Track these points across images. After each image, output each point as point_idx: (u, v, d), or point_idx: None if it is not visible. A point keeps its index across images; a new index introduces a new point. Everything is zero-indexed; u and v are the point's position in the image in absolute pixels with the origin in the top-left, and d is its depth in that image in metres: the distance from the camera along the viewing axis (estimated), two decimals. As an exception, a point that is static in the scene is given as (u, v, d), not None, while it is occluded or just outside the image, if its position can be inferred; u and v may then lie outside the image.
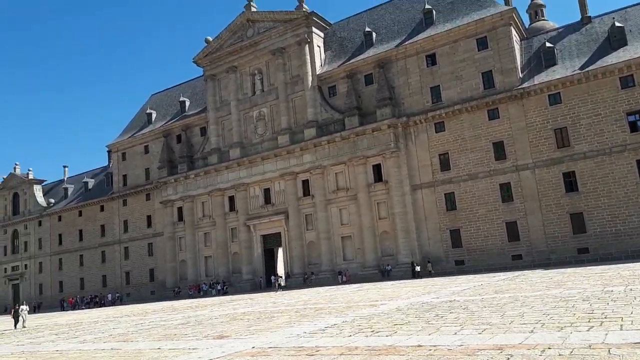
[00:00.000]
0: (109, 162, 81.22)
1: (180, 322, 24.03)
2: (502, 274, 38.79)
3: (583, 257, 42.10)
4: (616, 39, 44.39)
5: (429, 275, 46.37)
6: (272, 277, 54.28)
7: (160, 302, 54.79)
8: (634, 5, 46.73)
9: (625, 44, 43.81)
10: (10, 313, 38.44)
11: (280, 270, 60.99)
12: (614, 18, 46.11)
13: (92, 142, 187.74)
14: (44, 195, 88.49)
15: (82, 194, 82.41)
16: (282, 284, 51.54)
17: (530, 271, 38.27)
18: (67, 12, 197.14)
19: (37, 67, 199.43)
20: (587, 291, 18.86)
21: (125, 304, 62.51)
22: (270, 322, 19.65)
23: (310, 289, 47.56)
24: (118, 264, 73.55)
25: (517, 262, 44.78)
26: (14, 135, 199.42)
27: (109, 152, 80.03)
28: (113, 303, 66.26)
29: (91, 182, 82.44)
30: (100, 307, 65.60)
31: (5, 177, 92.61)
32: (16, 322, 33.31)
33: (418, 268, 46.85)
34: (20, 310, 33.65)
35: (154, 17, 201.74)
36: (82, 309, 66.14)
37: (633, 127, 41.91)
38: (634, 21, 45.14)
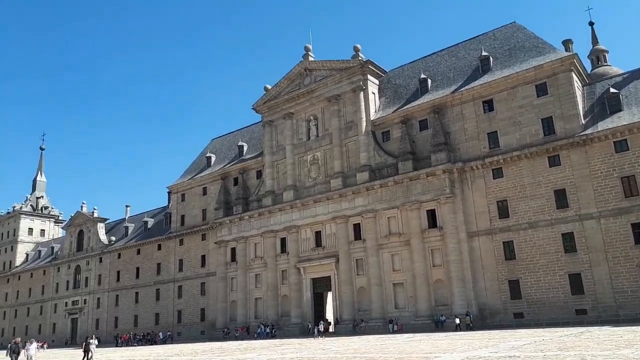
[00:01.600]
0: (169, 202, 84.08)
1: (228, 363, 23.84)
2: (565, 329, 36.33)
3: (657, 315, 38.80)
4: (687, 84, 42.29)
5: (480, 327, 43.97)
6: (320, 322, 53.33)
7: (210, 343, 54.87)
8: None
9: (698, 90, 41.59)
10: (80, 346, 39.68)
11: (330, 315, 59.94)
12: (684, 63, 44.08)
13: (154, 184, 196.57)
14: (106, 233, 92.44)
15: (141, 232, 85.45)
16: (322, 329, 50.49)
17: (596, 327, 35.62)
18: (130, 59, 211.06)
19: (103, 110, 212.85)
20: (663, 351, 17.27)
21: (176, 343, 63.03)
22: (317, 366, 19.15)
23: (359, 336, 46.28)
24: (171, 302, 74.83)
25: (581, 317, 41.85)
26: (83, 174, 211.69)
27: (169, 193, 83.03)
28: (164, 341, 66.95)
29: (151, 222, 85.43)
30: (151, 344, 66.44)
31: (72, 215, 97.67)
32: (85, 354, 34.61)
33: (457, 320, 45.15)
34: (89, 343, 34.97)
35: (217, 67, 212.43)
36: (134, 345, 67.22)
37: None
38: None
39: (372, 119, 58.59)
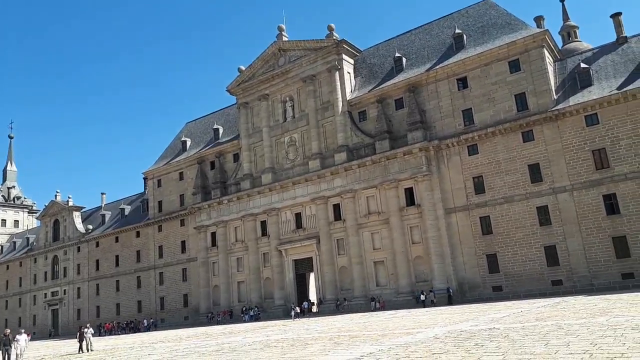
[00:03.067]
0: (145, 188, 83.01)
1: (215, 349, 24.04)
2: (542, 300, 37.53)
3: (628, 282, 40.32)
4: (654, 58, 43.29)
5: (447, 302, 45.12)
6: (292, 304, 53.92)
7: (194, 328, 55.03)
8: (671, 23, 45.59)
9: (665, 63, 42.64)
10: (64, 337, 38.96)
11: (313, 295, 60.61)
12: (651, 36, 45.04)
13: (129, 170, 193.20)
14: (82, 222, 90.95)
15: (118, 220, 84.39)
16: (298, 311, 51.45)
17: (572, 297, 36.91)
18: (104, 45, 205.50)
19: (79, 102, 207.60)
20: (635, 319, 18.04)
21: (160, 330, 63.03)
22: (304, 349, 19.46)
23: (343, 315, 47.00)
24: (153, 289, 74.49)
25: (557, 288, 43.25)
26: (56, 164, 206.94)
27: (144, 179, 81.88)
28: (148, 329, 66.88)
29: (127, 209, 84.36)
30: (135, 332, 66.30)
31: (47, 204, 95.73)
32: (81, 345, 33.76)
33: (422, 296, 46.92)
34: (84, 332, 33.91)
35: (188, 49, 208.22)
36: (118, 334, 66.98)
37: (676, 147, 40.42)
38: (673, 39, 43.99)
39: (348, 98, 58.54)
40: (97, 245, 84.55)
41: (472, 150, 49.54)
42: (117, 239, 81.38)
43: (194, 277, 69.46)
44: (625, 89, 42.65)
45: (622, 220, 41.59)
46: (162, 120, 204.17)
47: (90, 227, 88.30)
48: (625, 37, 47.22)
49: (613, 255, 41.62)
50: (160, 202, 75.90)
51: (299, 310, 52.08)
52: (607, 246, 41.91)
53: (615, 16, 48.41)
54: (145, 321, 68.67)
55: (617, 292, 37.83)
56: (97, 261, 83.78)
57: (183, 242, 71.98)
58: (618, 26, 48.08)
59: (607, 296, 33.72)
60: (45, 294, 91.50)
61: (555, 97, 46.53)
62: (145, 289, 75.66)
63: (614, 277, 41.27)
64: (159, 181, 76.68)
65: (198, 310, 67.21)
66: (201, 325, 61.84)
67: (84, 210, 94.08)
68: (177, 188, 74.21)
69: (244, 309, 60.33)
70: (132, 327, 68.75)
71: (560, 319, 21.69)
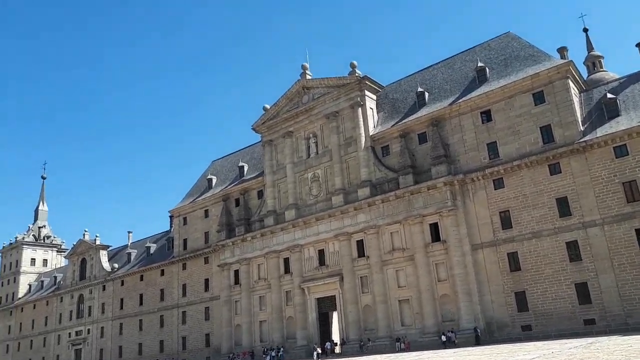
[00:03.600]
0: (171, 226, 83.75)
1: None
2: (574, 340, 35.35)
3: (668, 322, 37.81)
4: (685, 87, 42.00)
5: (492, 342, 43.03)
6: (314, 346, 52.37)
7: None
8: (701, 52, 44.39)
9: (696, 91, 41.27)
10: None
11: (336, 335, 58.87)
12: (680, 65, 43.82)
13: (156, 209, 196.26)
14: (109, 260, 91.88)
15: (144, 258, 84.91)
16: (320, 352, 49.88)
17: (605, 337, 34.65)
18: (128, 84, 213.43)
19: (107, 140, 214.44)
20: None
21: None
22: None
23: (367, 356, 45.30)
24: (175, 328, 73.82)
25: (590, 327, 40.82)
26: (85, 201, 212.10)
27: (170, 217, 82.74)
28: (169, 369, 65.86)
29: (153, 247, 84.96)
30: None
31: (75, 243, 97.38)
32: None
33: (443, 337, 45.25)
34: None
35: (215, 88, 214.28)
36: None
37: None
38: None
39: (371, 134, 58.46)
40: (122, 284, 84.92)
41: (498, 184, 48.33)
42: (141, 278, 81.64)
43: (216, 316, 68.62)
44: (655, 119, 41.24)
45: (659, 255, 39.37)
46: (189, 159, 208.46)
47: (116, 265, 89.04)
48: (653, 66, 46.07)
49: (650, 293, 39.20)
50: (185, 240, 76.20)
51: (320, 351, 50.55)
52: (644, 283, 39.54)
53: (641, 46, 47.48)
54: (166, 361, 67.71)
55: (657, 332, 35.41)
56: (122, 300, 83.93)
57: (206, 280, 71.61)
58: (645, 56, 47.05)
59: (646, 336, 31.50)
60: (70, 333, 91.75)
61: (582, 128, 45.35)
62: (167, 329, 75.04)
63: (652, 316, 38.72)
64: (185, 219, 77.25)
65: (220, 351, 66.00)
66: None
67: (110, 248, 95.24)
68: (202, 226, 74.54)
69: (264, 349, 58.94)
70: (154, 368, 67.77)
71: None
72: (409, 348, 47.92)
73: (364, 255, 55.25)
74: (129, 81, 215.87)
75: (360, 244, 56.09)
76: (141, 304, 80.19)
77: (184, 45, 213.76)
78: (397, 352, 47.11)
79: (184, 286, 74.34)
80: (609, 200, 42.25)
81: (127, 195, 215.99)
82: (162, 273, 78.28)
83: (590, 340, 33.78)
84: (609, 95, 45.59)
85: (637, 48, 47.85)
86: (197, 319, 71.39)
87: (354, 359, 44.94)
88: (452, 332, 46.49)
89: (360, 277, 55.35)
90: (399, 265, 52.73)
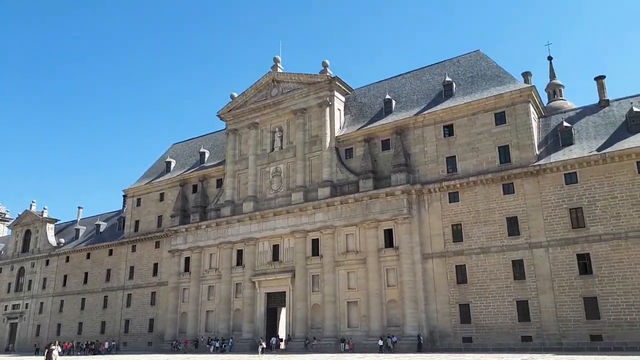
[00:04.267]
0: (124, 206, 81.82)
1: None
2: (510, 355, 37.05)
3: (596, 344, 40.16)
4: (634, 124, 44.43)
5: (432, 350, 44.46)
6: (260, 340, 52.75)
7: (157, 355, 53.28)
8: (653, 91, 47.00)
9: (644, 129, 43.71)
10: (20, 353, 37.34)
11: (282, 331, 59.27)
12: (631, 103, 46.32)
13: (109, 187, 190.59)
14: (55, 235, 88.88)
15: (93, 236, 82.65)
16: (264, 346, 50.35)
17: (539, 355, 36.48)
18: (94, 53, 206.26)
19: (59, 107, 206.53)
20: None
21: (121, 354, 60.95)
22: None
23: (311, 355, 45.90)
24: (119, 311, 72.37)
25: (526, 344, 42.83)
26: (35, 173, 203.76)
27: (124, 196, 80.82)
28: (109, 351, 64.65)
29: (103, 225, 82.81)
30: (95, 354, 64.03)
31: (20, 213, 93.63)
32: None
33: (380, 342, 46.61)
34: (51, 350, 32.57)
35: (182, 71, 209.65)
36: (77, 355, 64.62)
37: (651, 212, 41.02)
38: (653, 107, 45.25)
39: (336, 135, 58.90)
40: (67, 260, 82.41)
41: (453, 197, 49.76)
42: (88, 256, 79.46)
43: (162, 302, 67.71)
44: (604, 151, 43.49)
45: (594, 281, 41.68)
46: (148, 138, 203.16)
47: (63, 240, 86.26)
48: (607, 100, 48.51)
49: (583, 316, 41.50)
50: (137, 222, 74.65)
51: (265, 346, 50.84)
52: (578, 306, 41.83)
53: (599, 79, 49.85)
54: (106, 343, 66.41)
55: (585, 353, 37.59)
56: (65, 277, 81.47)
57: (156, 265, 70.47)
58: (601, 89, 49.45)
59: (574, 357, 33.40)
60: (6, 306, 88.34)
61: (538, 152, 47.26)
62: (111, 310, 73.44)
63: (583, 337, 41.05)
64: (139, 200, 75.65)
65: (163, 337, 65.23)
66: (164, 352, 59.94)
67: (58, 222, 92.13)
68: (156, 209, 73.20)
69: (209, 339, 58.73)
70: (92, 349, 66.33)
71: (524, 377, 21.31)
72: (352, 349, 48.86)
73: (318, 254, 55.78)
74: (94, 50, 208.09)
75: (315, 242, 56.58)
76: (85, 282, 78.13)
77: (155, 24, 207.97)
78: (342, 352, 47.93)
79: (132, 268, 72.91)
80: (556, 224, 44.31)
81: (80, 169, 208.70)
82: (111, 253, 76.48)
83: (525, 356, 35.46)
84: (565, 124, 47.67)
85: (595, 81, 50.05)
86: (143, 302, 70.21)
87: (298, 356, 45.38)
88: (390, 337, 47.68)
89: (312, 275, 55.89)
90: (351, 267, 53.57)
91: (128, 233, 74.73)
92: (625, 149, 42.63)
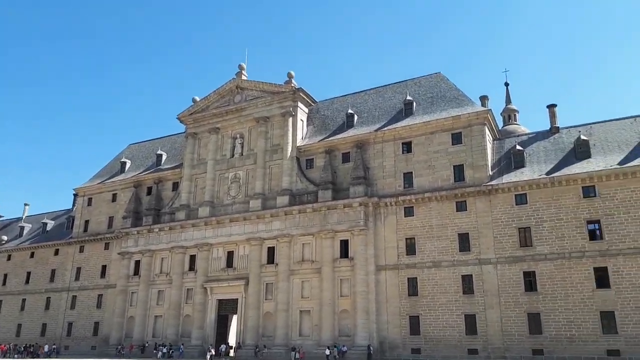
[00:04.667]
0: (74, 205, 79.19)
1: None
2: (457, 367, 38.10)
3: (538, 358, 41.96)
4: (581, 151, 47.15)
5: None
6: (209, 347, 52.12)
7: None
8: (598, 122, 50.10)
9: (589, 157, 46.52)
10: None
11: (233, 339, 58.60)
12: (579, 131, 49.18)
13: (59, 184, 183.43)
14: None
15: (38, 234, 79.35)
16: (213, 353, 49.55)
17: (485, 367, 37.75)
18: (58, 38, 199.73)
19: (12, 95, 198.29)
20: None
21: (62, 358, 58.55)
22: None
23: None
24: (62, 313, 69.55)
25: (473, 357, 44.22)
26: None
27: (75, 195, 78.26)
28: (49, 355, 61.90)
29: (51, 224, 79.72)
30: (33, 358, 61.23)
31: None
32: None
33: (327, 351, 47.43)
34: None
35: (144, 70, 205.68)
36: (14, 358, 61.58)
37: (592, 235, 43.54)
38: (598, 136, 48.22)
39: (298, 145, 59.39)
40: (9, 258, 78.64)
41: (408, 212, 51.04)
42: (32, 255, 76.15)
43: (109, 305, 65.62)
44: (552, 175, 45.89)
45: (538, 297, 43.62)
46: (103, 137, 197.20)
47: (5, 238, 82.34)
48: (558, 127, 51.29)
49: (527, 331, 43.29)
50: (87, 222, 72.35)
51: (213, 353, 50.10)
52: (522, 321, 43.61)
53: (551, 107, 52.68)
54: (46, 346, 63.56)
55: (527, 366, 39.08)
56: (5, 275, 77.60)
57: (104, 267, 68.36)
58: (552, 116, 52.24)
59: (518, 369, 34.73)
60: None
61: (491, 173, 49.29)
62: (53, 312, 70.49)
63: (526, 351, 42.78)
64: (90, 200, 73.43)
65: (108, 341, 63.14)
66: (108, 357, 58.03)
67: (1, 219, 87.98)
68: (107, 209, 71.24)
69: (156, 345, 57.36)
70: (31, 352, 63.36)
71: (470, 384, 22.11)
72: (303, 358, 48.87)
73: (273, 262, 55.72)
74: (50, 39, 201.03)
75: (271, 250, 56.53)
76: (27, 282, 74.73)
77: (121, 17, 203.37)
78: (291, 361, 47.88)
79: (79, 270, 70.39)
80: (505, 242, 46.20)
81: (29, 165, 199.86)
82: (57, 253, 73.61)
83: (470, 368, 36.61)
84: (518, 147, 50.00)
85: (547, 109, 52.81)
86: (88, 305, 67.79)
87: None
88: (336, 347, 48.33)
89: (267, 283, 55.71)
90: (306, 277, 53.78)
91: (77, 233, 72.27)
92: (572, 174, 45.14)
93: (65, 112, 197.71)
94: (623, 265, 41.71)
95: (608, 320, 41.05)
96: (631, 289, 40.98)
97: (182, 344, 56.51)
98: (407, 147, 53.59)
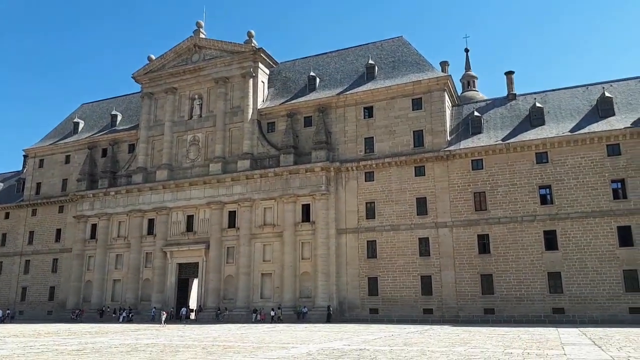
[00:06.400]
0: (24, 167, 76.11)
1: (76, 348, 22.41)
2: (412, 326, 39.69)
3: (489, 317, 44.13)
4: (536, 118, 48.47)
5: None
6: (183, 309, 52.27)
7: (57, 324, 50.84)
8: (553, 90, 51.45)
9: (543, 124, 47.92)
10: None
11: (194, 302, 58.83)
12: (535, 98, 50.43)
13: (7, 145, 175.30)
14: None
15: (-14, 197, 76.10)
16: (164, 317, 48.96)
17: (439, 326, 39.46)
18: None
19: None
20: (488, 351, 19.72)
21: (17, 323, 57.40)
22: (174, 356, 18.81)
23: (222, 325, 46.14)
24: (15, 277, 67.81)
25: (428, 316, 46.10)
26: None
27: (25, 156, 75.15)
28: (2, 320, 60.50)
29: (0, 186, 76.61)
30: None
31: None
32: None
33: (272, 312, 49.06)
34: None
35: (92, 28, 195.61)
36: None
37: (543, 200, 45.38)
38: (552, 104, 49.61)
39: (259, 107, 58.51)
40: (-45, 222, 75.38)
41: (369, 176, 51.64)
42: (-20, 218, 73.24)
43: (65, 270, 64.39)
44: (508, 141, 47.15)
45: (491, 259, 45.54)
46: (54, 97, 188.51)
47: (-50, 200, 78.56)
48: (515, 94, 52.38)
49: (479, 291, 45.35)
50: (39, 184, 69.88)
51: (166, 315, 49.55)
52: (476, 282, 45.59)
53: (509, 74, 53.59)
54: (0, 312, 62.05)
55: (479, 324, 41.13)
56: (-48, 240, 74.58)
57: (59, 231, 66.65)
58: (510, 83, 53.23)
59: (470, 328, 36.52)
60: None
61: (449, 138, 50.15)
62: (5, 277, 68.64)
63: (478, 310, 44.93)
64: (42, 161, 70.71)
65: (65, 306, 62.27)
66: (65, 321, 57.32)
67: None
68: (61, 171, 68.89)
69: (116, 309, 56.98)
70: (-16, 317, 61.70)
71: (425, 345, 23.09)
72: (264, 320, 49.78)
73: (234, 227, 55.66)
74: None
75: (232, 214, 56.35)
76: (-24, 247, 72.09)
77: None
78: (253, 322, 48.67)
79: (32, 233, 68.42)
80: (460, 206, 47.61)
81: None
82: (7, 216, 71.13)
83: (426, 327, 38.21)
84: (476, 114, 50.92)
85: (505, 76, 53.69)
86: (43, 270, 66.32)
87: (207, 326, 45.43)
88: (279, 308, 49.90)
89: (227, 247, 55.78)
90: (267, 240, 54.10)
91: (28, 196, 69.79)
92: (527, 140, 46.51)
93: (14, 70, 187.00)
94: (570, 228, 43.85)
95: (555, 280, 43.44)
96: (577, 251, 43.30)
97: (155, 308, 55.60)
98: (369, 112, 53.67)
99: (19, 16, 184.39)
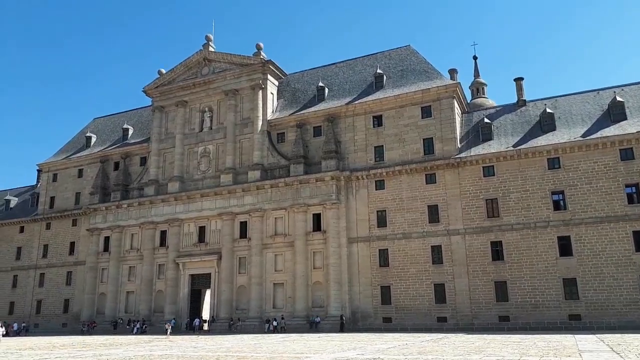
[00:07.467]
0: (38, 181, 77.07)
1: (92, 360, 22.54)
2: (427, 334, 39.38)
3: (504, 324, 43.66)
4: (546, 124, 48.23)
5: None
6: (167, 321, 52.07)
7: (72, 337, 51.15)
8: (563, 95, 51.24)
9: (554, 129, 47.67)
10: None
11: (206, 313, 58.92)
12: (545, 104, 50.21)
13: (22, 160, 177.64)
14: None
15: (2, 211, 77.11)
16: (170, 329, 48.99)
17: (453, 334, 39.09)
18: (20, 8, 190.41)
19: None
20: (504, 359, 19.52)
21: (32, 336, 57.81)
22: (189, 366, 18.84)
23: (234, 335, 46.12)
24: (30, 291, 68.44)
25: (442, 324, 45.71)
26: None
27: (39, 171, 76.07)
28: (18, 333, 61.04)
29: (14, 201, 77.50)
30: (3, 336, 60.15)
31: None
32: None
33: (275, 322, 48.99)
34: None
35: (106, 44, 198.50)
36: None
37: (556, 205, 45.00)
38: (563, 109, 49.36)
39: (268, 118, 58.84)
40: (-28, 236, 76.36)
41: (379, 185, 51.60)
42: (-4, 233, 74.15)
43: (79, 282, 64.87)
44: (519, 147, 46.93)
45: (505, 266, 45.15)
46: (67, 112, 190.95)
47: (-34, 215, 79.68)
48: (525, 100, 52.20)
49: (494, 298, 44.93)
50: (52, 198, 70.67)
51: (170, 328, 49.54)
52: (489, 289, 45.18)
53: (518, 80, 53.44)
54: (15, 325, 62.63)
55: (493, 332, 40.69)
56: (-31, 254, 75.49)
57: (72, 244, 67.25)
58: (519, 89, 53.06)
59: (484, 336, 36.13)
60: None
61: (459, 145, 50.03)
62: (21, 290, 69.29)
63: (492, 318, 44.48)
64: (55, 175, 71.57)
65: (79, 318, 62.63)
66: (80, 334, 57.61)
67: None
68: (74, 185, 69.64)
69: (129, 320, 57.19)
70: (-1, 331, 62.17)
71: (440, 354, 22.89)
72: (277, 329, 49.59)
73: (245, 237, 55.80)
74: (13, 10, 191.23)
75: (243, 225, 56.52)
76: (-8, 261, 72.92)
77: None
78: (266, 333, 48.58)
79: (46, 247, 69.09)
80: (473, 213, 47.35)
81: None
82: (22, 230, 71.92)
83: (440, 335, 37.88)
84: (486, 120, 50.78)
85: (514, 82, 53.56)
86: (57, 282, 66.87)
87: (220, 336, 45.44)
88: (275, 319, 49.72)
89: (239, 257, 55.90)
90: (279, 250, 54.14)
91: (42, 210, 70.57)
92: (538, 146, 46.26)
93: (27, 85, 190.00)
94: (585, 234, 43.40)
95: (570, 286, 42.93)
96: (592, 257, 42.80)
97: (174, 318, 55.52)
98: (378, 120, 53.76)
99: (31, 32, 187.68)
